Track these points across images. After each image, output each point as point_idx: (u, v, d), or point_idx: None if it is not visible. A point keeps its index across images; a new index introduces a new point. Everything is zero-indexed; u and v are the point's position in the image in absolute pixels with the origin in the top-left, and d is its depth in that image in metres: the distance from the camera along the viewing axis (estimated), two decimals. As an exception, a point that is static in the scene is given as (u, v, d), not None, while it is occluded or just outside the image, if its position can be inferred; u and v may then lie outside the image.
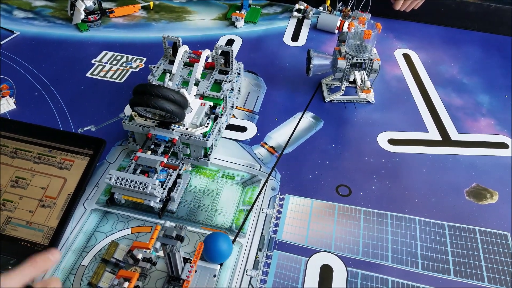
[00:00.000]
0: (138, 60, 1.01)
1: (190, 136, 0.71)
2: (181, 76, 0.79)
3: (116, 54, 1.03)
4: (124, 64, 1.00)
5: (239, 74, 0.86)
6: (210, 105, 0.75)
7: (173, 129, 0.71)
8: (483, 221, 0.71)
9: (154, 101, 0.64)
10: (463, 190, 0.76)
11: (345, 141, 0.84)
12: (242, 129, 0.86)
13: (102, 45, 1.05)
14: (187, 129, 0.71)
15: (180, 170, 0.70)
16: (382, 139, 0.85)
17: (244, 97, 0.93)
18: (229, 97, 0.82)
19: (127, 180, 0.63)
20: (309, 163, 0.79)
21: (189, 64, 0.83)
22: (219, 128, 0.78)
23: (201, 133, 0.71)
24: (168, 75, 0.73)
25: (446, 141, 0.86)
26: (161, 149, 0.71)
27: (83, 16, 1.09)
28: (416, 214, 0.71)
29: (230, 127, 0.86)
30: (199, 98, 0.77)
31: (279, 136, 0.85)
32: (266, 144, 0.83)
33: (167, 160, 0.70)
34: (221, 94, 0.78)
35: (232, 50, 0.80)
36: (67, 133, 0.77)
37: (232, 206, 0.70)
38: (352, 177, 0.77)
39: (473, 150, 0.84)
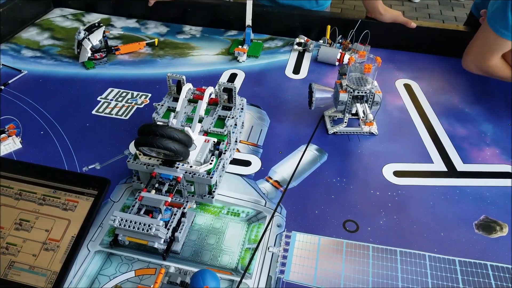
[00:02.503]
0: (143, 96, 1.03)
1: (195, 174, 0.71)
2: (185, 113, 0.80)
3: (122, 90, 1.04)
4: (129, 101, 1.01)
5: (242, 109, 0.87)
6: (214, 141, 0.76)
7: (177, 167, 0.71)
8: (494, 256, 0.69)
9: (158, 141, 0.64)
10: (472, 223, 0.75)
11: (350, 174, 0.84)
12: (247, 163, 0.86)
13: (108, 82, 1.07)
14: (191, 166, 0.71)
15: (184, 208, 0.69)
16: (388, 171, 0.85)
17: (247, 131, 0.94)
18: (233, 132, 0.82)
19: (131, 222, 0.62)
20: (315, 197, 0.78)
21: (193, 100, 0.84)
22: (223, 164, 0.78)
23: (205, 170, 0.71)
24: (172, 113, 0.73)
25: (452, 172, 0.85)
26: (166, 187, 0.70)
27: (89, 54, 1.11)
28: (426, 249, 0.70)
29: (234, 161, 0.86)
30: (203, 135, 0.78)
31: (283, 170, 0.84)
32: (271, 178, 0.82)
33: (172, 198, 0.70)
34: (225, 130, 0.78)
35: (235, 87, 0.81)
36: (72, 173, 0.77)
37: (237, 245, 0.69)
38: (359, 211, 0.76)
39: (479, 181, 0.83)
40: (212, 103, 0.85)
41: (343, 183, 0.82)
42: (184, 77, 0.83)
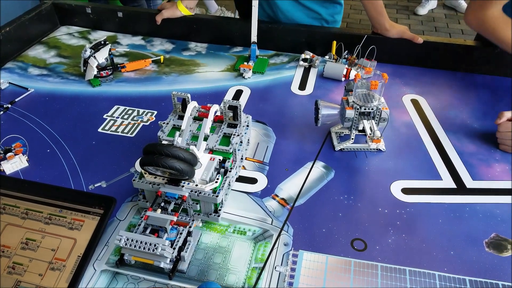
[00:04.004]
0: (149, 114, 1.03)
1: (200, 193, 0.70)
2: (190, 131, 0.80)
3: (128, 108, 1.05)
4: (135, 118, 1.01)
5: (247, 126, 0.87)
6: (220, 160, 0.76)
7: (182, 186, 0.71)
8: (505, 275, 0.68)
9: (163, 161, 0.64)
10: (482, 241, 0.74)
11: (357, 191, 0.83)
12: (253, 180, 0.85)
13: (114, 100, 1.08)
14: (196, 185, 0.71)
15: (190, 227, 0.69)
16: (396, 188, 0.84)
17: (253, 148, 0.93)
18: (238, 150, 0.82)
19: (136, 242, 0.62)
20: (322, 215, 0.77)
21: (198, 118, 0.84)
22: (229, 182, 0.77)
23: (211, 189, 0.71)
24: (178, 132, 0.73)
25: (461, 189, 0.84)
26: (171, 206, 0.70)
27: (95, 72, 1.12)
28: (436, 268, 0.69)
29: (240, 179, 0.85)
30: (209, 153, 0.78)
31: (290, 187, 0.84)
32: (277, 196, 0.82)
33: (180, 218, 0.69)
34: (230, 148, 0.78)
35: (240, 104, 0.81)
36: (78, 192, 0.77)
37: (244, 264, 0.68)
38: (367, 229, 0.75)
39: (489, 198, 0.82)
40: (217, 120, 0.85)
41: (351, 200, 0.81)
42: (189, 95, 0.83)
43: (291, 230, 0.74)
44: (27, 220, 0.70)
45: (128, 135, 0.96)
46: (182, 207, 0.70)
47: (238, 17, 1.65)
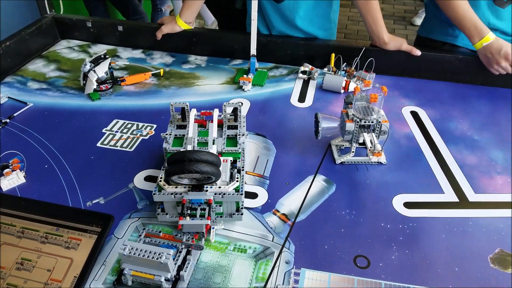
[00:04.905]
0: (149, 128, 1.02)
1: (225, 194, 0.71)
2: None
3: (127, 122, 1.04)
4: (134, 132, 1.01)
5: (244, 126, 0.89)
6: (231, 160, 0.77)
7: (206, 191, 0.71)
8: (513, 292, 0.66)
9: (194, 166, 0.65)
10: (487, 256, 0.72)
11: (359, 206, 0.82)
12: (253, 195, 0.84)
13: (113, 114, 1.07)
14: (219, 187, 0.72)
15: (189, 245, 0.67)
16: (398, 203, 0.82)
17: (254, 161, 0.93)
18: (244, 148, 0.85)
19: (141, 251, 0.62)
20: (324, 231, 0.76)
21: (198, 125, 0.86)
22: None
23: (233, 189, 0.72)
24: (185, 139, 0.77)
25: (463, 202, 0.83)
26: (198, 212, 0.70)
27: (95, 86, 1.12)
28: (440, 286, 0.67)
29: (241, 194, 0.84)
30: (218, 155, 0.79)
31: (291, 202, 0.83)
32: (278, 211, 0.81)
33: (178, 235, 0.68)
34: (239, 148, 0.80)
35: (240, 105, 0.84)
36: (75, 210, 0.76)
37: (245, 284, 0.67)
38: (370, 246, 0.73)
39: (492, 212, 0.81)
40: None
41: (353, 215, 0.79)
42: (188, 104, 0.84)
43: (293, 247, 0.73)
44: (23, 239, 0.68)
45: (127, 149, 0.96)
46: (209, 210, 0.71)
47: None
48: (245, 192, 0.84)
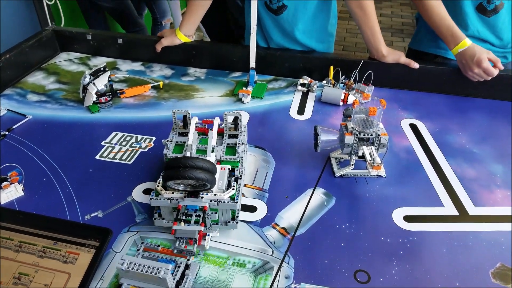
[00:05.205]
0: (148, 140, 1.02)
1: (220, 201, 0.72)
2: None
3: (126, 134, 1.04)
4: (133, 145, 1.01)
5: (245, 135, 0.90)
6: (229, 169, 0.78)
7: (202, 197, 0.72)
8: (515, 308, 0.66)
9: (189, 172, 0.66)
10: (488, 271, 0.72)
11: (359, 219, 0.81)
12: (252, 209, 0.84)
13: (113, 126, 1.07)
14: (215, 194, 0.72)
15: (188, 260, 0.67)
16: (398, 216, 0.82)
17: (253, 174, 0.92)
18: (244, 158, 0.86)
19: (139, 265, 0.61)
20: (324, 245, 0.76)
21: (198, 133, 0.87)
22: (240, 189, 0.80)
23: (229, 196, 0.73)
24: (186, 146, 0.78)
25: (463, 216, 0.83)
26: (193, 218, 0.71)
27: (94, 99, 1.12)
28: (442, 301, 0.67)
29: (240, 207, 0.84)
30: (216, 164, 0.80)
31: (290, 215, 0.82)
32: (278, 225, 0.80)
33: (176, 250, 0.68)
34: (237, 157, 0.81)
35: (240, 115, 0.85)
36: (73, 224, 0.75)
37: (244, 299, 0.66)
38: (370, 260, 0.73)
39: (493, 226, 0.81)
40: (217, 133, 0.88)
41: (353, 229, 0.79)
42: (189, 112, 0.86)
43: (292, 261, 0.73)
44: (20, 253, 0.68)
45: (126, 162, 0.95)
46: (204, 217, 0.72)
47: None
48: (244, 205, 0.84)
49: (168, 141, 0.84)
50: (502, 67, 1.12)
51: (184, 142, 0.83)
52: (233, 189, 0.74)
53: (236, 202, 0.72)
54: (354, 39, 3.54)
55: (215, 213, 0.74)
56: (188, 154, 0.77)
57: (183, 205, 0.71)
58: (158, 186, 0.74)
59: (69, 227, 0.71)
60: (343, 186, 0.89)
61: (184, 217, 0.71)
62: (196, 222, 0.70)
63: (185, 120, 0.87)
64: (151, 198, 0.73)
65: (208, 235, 0.75)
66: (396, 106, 1.17)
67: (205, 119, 0.87)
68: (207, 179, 0.68)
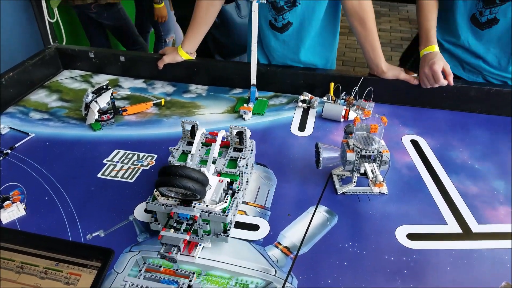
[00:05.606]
0: (149, 158, 1.03)
1: (211, 213, 0.73)
2: (199, 155, 0.84)
3: (128, 152, 1.04)
4: (135, 163, 1.01)
5: (252, 150, 0.92)
6: (228, 181, 0.79)
7: (194, 207, 0.73)
8: (522, 328, 0.65)
9: (178, 181, 0.67)
10: (494, 290, 0.71)
11: (362, 238, 0.81)
12: (254, 227, 0.83)
13: (115, 144, 1.08)
14: (207, 206, 0.74)
15: (191, 281, 0.66)
16: (401, 234, 0.82)
17: (255, 191, 0.92)
18: (244, 172, 0.86)
19: (141, 287, 0.62)
20: (327, 265, 0.75)
21: (206, 144, 0.89)
22: (237, 204, 0.81)
23: (220, 209, 0.73)
24: (189, 155, 0.80)
25: (467, 234, 0.82)
26: (184, 226, 0.72)
27: (96, 117, 1.12)
28: (447, 322, 0.66)
29: (242, 225, 0.83)
30: (217, 175, 0.81)
31: (293, 234, 0.82)
32: (280, 244, 0.80)
33: (176, 270, 0.67)
34: (237, 171, 0.82)
35: (245, 129, 0.86)
36: (75, 244, 0.75)
37: (247, 320, 0.65)
38: (374, 280, 0.72)
39: (497, 243, 0.80)
40: (224, 145, 0.90)
41: (356, 248, 0.79)
42: (197, 122, 0.88)
43: (296, 281, 0.72)
44: (22, 274, 0.67)
45: (128, 180, 0.95)
46: (193, 227, 0.73)
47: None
48: (247, 224, 0.84)
49: (174, 149, 0.87)
50: (451, 83, 1.14)
51: (190, 151, 0.85)
52: (225, 202, 0.74)
53: (227, 216, 0.73)
54: (353, 54, 3.58)
55: (207, 224, 0.75)
56: (190, 163, 0.79)
57: (175, 212, 0.73)
58: (156, 191, 0.76)
59: (71, 247, 0.70)
60: (346, 204, 0.89)
61: (175, 224, 0.72)
62: (186, 231, 0.72)
63: (193, 130, 0.89)
64: (147, 202, 0.75)
65: (200, 245, 0.76)
66: (397, 122, 1.18)
67: (211, 131, 0.89)
68: (195, 189, 0.69)
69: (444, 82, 1.14)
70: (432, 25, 1.18)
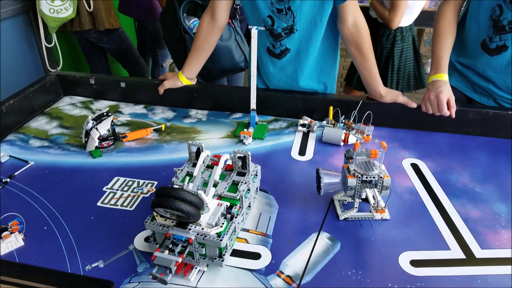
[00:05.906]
0: (149, 185, 1.02)
1: (206, 236, 0.73)
2: (202, 178, 0.86)
3: (128, 179, 1.04)
4: (135, 190, 1.00)
5: (256, 175, 0.92)
6: (227, 205, 0.78)
7: (189, 229, 0.73)
8: None
9: (171, 203, 0.68)
10: (501, 319, 0.70)
11: (365, 265, 0.80)
12: (256, 256, 0.82)
13: (114, 171, 1.07)
14: (203, 229, 0.73)
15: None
16: (404, 261, 0.81)
17: (256, 218, 0.91)
18: (246, 197, 0.85)
19: None
20: (330, 294, 0.74)
21: (211, 166, 0.90)
22: (235, 228, 0.80)
23: (216, 233, 0.73)
24: (188, 177, 0.81)
25: (470, 259, 0.81)
26: (178, 248, 0.72)
27: (97, 144, 1.12)
28: None
29: (244, 254, 0.82)
30: (217, 199, 0.81)
31: (295, 262, 0.81)
32: (283, 273, 0.78)
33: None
34: (238, 195, 0.82)
35: (248, 154, 0.86)
36: (73, 276, 0.73)
37: None
38: (378, 309, 0.71)
39: (501, 269, 0.79)
40: (228, 169, 0.90)
41: (359, 276, 0.77)
42: (202, 145, 0.89)
43: (299, 312, 0.71)
44: (19, 309, 0.66)
45: (127, 208, 0.95)
46: (188, 250, 0.73)
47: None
48: (249, 252, 0.83)
49: (178, 169, 0.88)
50: (453, 115, 1.15)
51: (193, 173, 0.86)
52: (221, 226, 0.74)
53: (221, 240, 0.72)
54: (350, 75, 3.60)
55: (203, 247, 0.75)
56: (191, 185, 0.80)
57: (171, 234, 0.73)
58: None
59: (70, 280, 0.69)
60: (348, 230, 0.88)
61: (170, 245, 0.73)
62: (180, 253, 0.72)
63: (198, 152, 0.90)
64: (146, 221, 0.76)
65: (196, 267, 0.76)
66: (397, 145, 1.18)
67: (216, 154, 0.89)
68: (188, 212, 0.69)
69: (446, 113, 1.14)
70: (446, 53, 1.19)
